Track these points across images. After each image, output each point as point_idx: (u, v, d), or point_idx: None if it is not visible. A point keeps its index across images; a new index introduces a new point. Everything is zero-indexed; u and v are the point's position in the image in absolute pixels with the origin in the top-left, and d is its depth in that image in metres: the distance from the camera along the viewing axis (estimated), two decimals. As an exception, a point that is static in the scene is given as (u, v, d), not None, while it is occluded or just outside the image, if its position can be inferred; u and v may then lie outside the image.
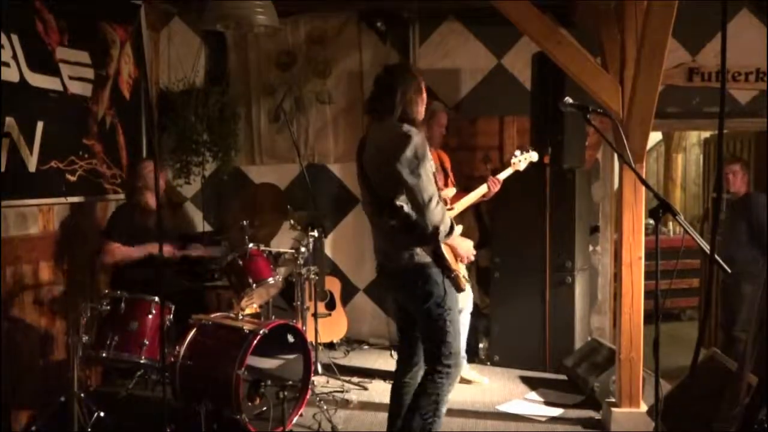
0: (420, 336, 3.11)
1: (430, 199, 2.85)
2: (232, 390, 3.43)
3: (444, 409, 3.06)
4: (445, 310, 3.00)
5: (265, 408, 3.62)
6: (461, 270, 3.16)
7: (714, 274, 4.81)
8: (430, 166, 2.92)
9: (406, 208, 2.94)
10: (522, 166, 4.35)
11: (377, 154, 3.00)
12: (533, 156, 4.40)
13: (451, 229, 2.95)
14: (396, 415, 3.17)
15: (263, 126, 5.74)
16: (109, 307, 3.56)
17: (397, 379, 3.25)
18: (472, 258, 3.20)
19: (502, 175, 4.29)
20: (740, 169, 5.10)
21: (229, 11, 4.10)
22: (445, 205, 3.02)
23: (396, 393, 3.23)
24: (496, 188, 4.27)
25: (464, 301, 4.53)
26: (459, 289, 3.04)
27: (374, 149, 3.02)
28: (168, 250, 4.22)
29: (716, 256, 2.09)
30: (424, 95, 3.09)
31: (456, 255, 3.11)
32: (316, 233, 4.59)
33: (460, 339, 3.20)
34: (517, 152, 4.36)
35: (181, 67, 5.57)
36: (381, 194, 3.00)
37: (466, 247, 3.13)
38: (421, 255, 2.97)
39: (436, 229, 2.88)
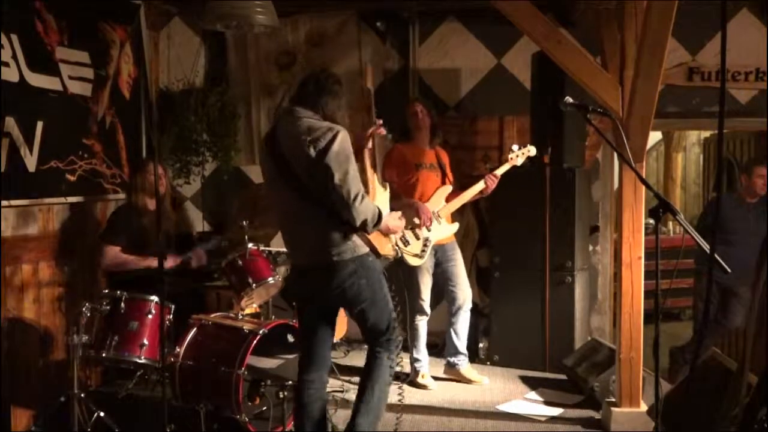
0: (364, 326, 3.14)
1: (356, 196, 2.87)
2: (232, 390, 3.43)
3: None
4: (385, 291, 3.10)
5: (265, 408, 3.62)
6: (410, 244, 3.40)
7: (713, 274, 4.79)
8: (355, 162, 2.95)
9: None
10: (519, 161, 4.41)
11: (298, 148, 2.92)
12: (531, 150, 4.44)
13: (379, 218, 2.98)
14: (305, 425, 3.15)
15: (263, 126, 5.73)
16: (109, 307, 3.56)
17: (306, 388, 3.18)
18: (400, 232, 3.35)
19: (500, 171, 4.36)
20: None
21: (229, 11, 4.10)
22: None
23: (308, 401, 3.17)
24: (493, 185, 4.33)
25: (463, 299, 4.53)
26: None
27: (294, 143, 2.94)
28: (168, 261, 4.17)
29: (716, 256, 2.09)
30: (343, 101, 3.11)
31: (384, 234, 3.18)
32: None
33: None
34: (515, 147, 4.42)
35: (181, 67, 5.57)
36: (312, 190, 2.94)
37: (393, 224, 3.14)
38: (361, 245, 3.01)
39: (364, 222, 2.92)
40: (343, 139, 2.89)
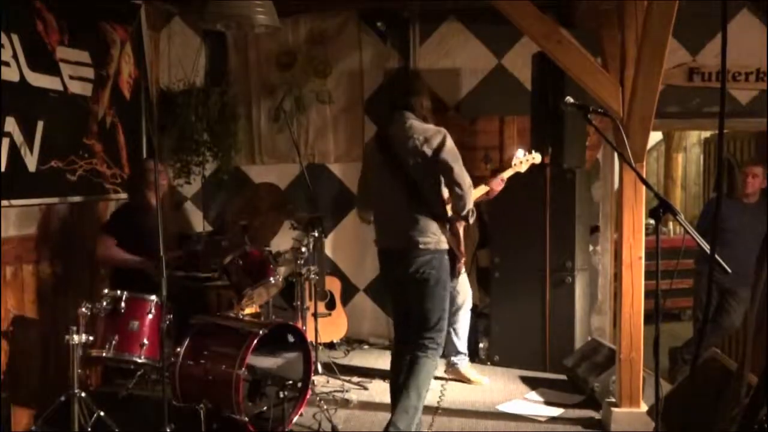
0: (416, 313, 3.42)
1: (469, 186, 3.28)
2: (232, 390, 3.43)
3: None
4: (447, 293, 3.40)
5: (265, 408, 3.62)
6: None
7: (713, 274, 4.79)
8: None
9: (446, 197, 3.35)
10: (524, 168, 4.37)
11: (412, 147, 3.29)
12: (536, 158, 4.40)
13: (473, 213, 3.35)
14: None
15: (263, 126, 5.74)
16: (109, 307, 3.55)
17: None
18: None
19: (505, 175, 4.31)
20: (761, 173, 5.00)
21: (230, 11, 4.10)
22: None
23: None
24: (499, 188, 4.27)
25: (462, 298, 4.54)
26: (456, 275, 3.47)
27: (408, 142, 3.30)
28: (169, 256, 4.17)
29: (716, 256, 2.09)
30: None
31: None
32: (316, 233, 4.59)
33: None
34: (519, 153, 4.38)
35: (181, 67, 5.57)
36: (419, 184, 3.31)
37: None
38: (443, 242, 3.33)
39: (469, 212, 3.30)
40: (450, 139, 3.31)
